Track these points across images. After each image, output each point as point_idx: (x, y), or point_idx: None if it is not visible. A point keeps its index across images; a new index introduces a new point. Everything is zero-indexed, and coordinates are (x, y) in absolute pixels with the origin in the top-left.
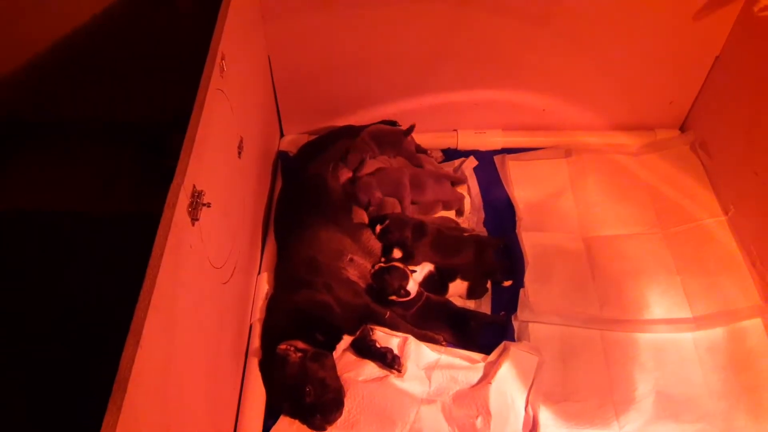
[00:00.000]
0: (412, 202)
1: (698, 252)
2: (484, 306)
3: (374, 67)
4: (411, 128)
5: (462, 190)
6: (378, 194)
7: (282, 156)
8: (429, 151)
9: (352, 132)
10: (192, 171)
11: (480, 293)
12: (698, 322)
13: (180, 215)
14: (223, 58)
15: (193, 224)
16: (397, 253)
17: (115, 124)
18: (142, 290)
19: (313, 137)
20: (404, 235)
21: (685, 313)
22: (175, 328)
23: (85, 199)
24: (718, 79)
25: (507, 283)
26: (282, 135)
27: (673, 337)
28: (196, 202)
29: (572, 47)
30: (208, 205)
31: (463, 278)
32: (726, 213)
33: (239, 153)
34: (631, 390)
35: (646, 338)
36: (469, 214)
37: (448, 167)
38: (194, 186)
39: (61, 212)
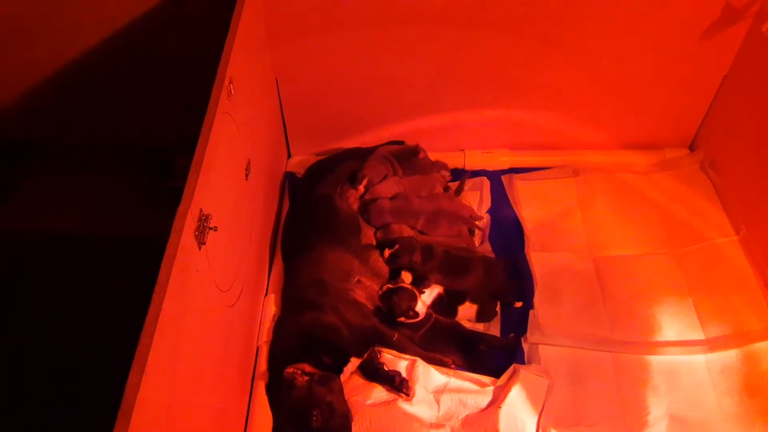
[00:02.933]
0: (420, 232)
1: (710, 272)
2: (493, 328)
3: (381, 88)
4: (417, 147)
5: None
6: (390, 220)
7: (289, 177)
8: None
9: (359, 153)
10: (199, 195)
11: (489, 316)
12: (711, 344)
13: (187, 239)
14: (231, 82)
15: (200, 248)
16: (407, 277)
17: (121, 148)
18: (148, 316)
19: (320, 158)
20: (413, 260)
21: (697, 334)
22: (181, 354)
23: (91, 222)
24: (726, 98)
25: (518, 305)
26: (289, 156)
27: (685, 359)
28: (203, 226)
29: (579, 66)
30: (215, 229)
31: (473, 301)
32: (737, 232)
33: (246, 175)
34: (643, 414)
35: (658, 361)
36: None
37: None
38: (201, 210)
39: (66, 234)
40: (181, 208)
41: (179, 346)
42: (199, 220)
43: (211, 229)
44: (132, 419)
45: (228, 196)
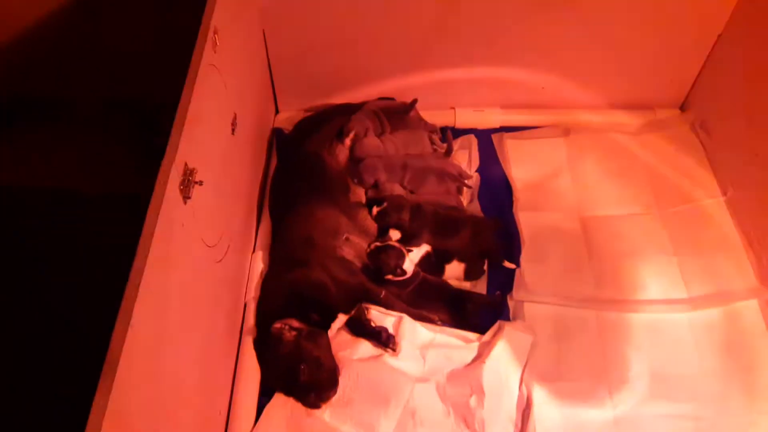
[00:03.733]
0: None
1: (695, 233)
2: (479, 286)
3: (371, 43)
4: (413, 103)
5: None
6: (382, 176)
7: (277, 133)
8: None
9: (349, 109)
10: (183, 148)
11: (477, 274)
12: (694, 303)
13: (171, 193)
14: (216, 33)
15: (185, 202)
16: (395, 235)
17: (106, 103)
18: (133, 269)
19: (309, 114)
20: (401, 218)
21: (681, 293)
22: (167, 308)
23: (74, 177)
24: (720, 57)
25: (510, 265)
26: (277, 112)
27: (668, 317)
28: (188, 180)
29: (572, 24)
30: (201, 183)
31: (460, 260)
32: (724, 194)
33: (233, 130)
34: (625, 370)
35: (641, 318)
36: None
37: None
38: (186, 164)
39: (48, 189)
40: (165, 162)
41: (166, 300)
42: (184, 174)
43: (196, 183)
44: (118, 370)
45: (214, 151)
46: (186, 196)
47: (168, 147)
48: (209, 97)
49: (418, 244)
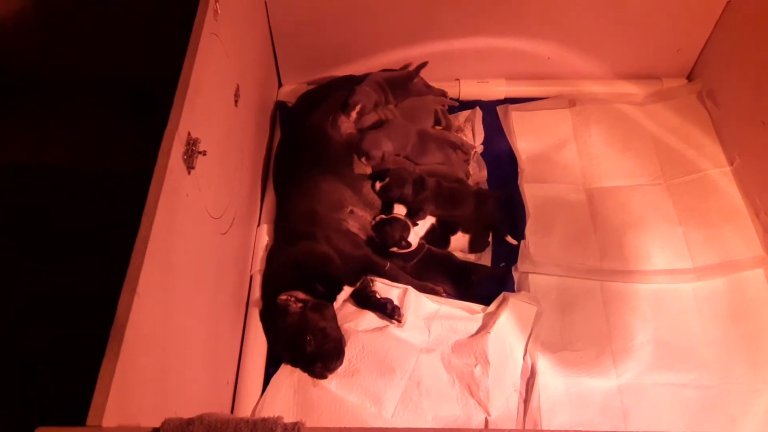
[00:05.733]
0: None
1: (701, 203)
2: (484, 258)
3: (375, 14)
4: (420, 67)
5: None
6: (389, 149)
7: (280, 106)
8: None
9: (352, 81)
10: (186, 117)
11: (482, 247)
12: (699, 273)
13: (175, 163)
14: (217, 1)
15: (189, 172)
16: (400, 209)
17: (105, 78)
18: (138, 237)
19: (312, 87)
20: (404, 192)
21: (686, 263)
22: (173, 277)
23: (73, 154)
24: (728, 25)
25: (512, 241)
26: (280, 85)
27: (673, 287)
28: (192, 150)
29: None
30: (204, 153)
31: (464, 231)
32: (731, 163)
33: (236, 101)
34: (629, 339)
35: (645, 289)
36: (472, 165)
37: (455, 120)
38: (189, 133)
39: (48, 165)
40: (168, 131)
41: (171, 269)
42: (188, 143)
43: (200, 153)
44: (125, 337)
45: (217, 121)
46: (190, 166)
47: (170, 116)
48: (211, 67)
49: (423, 218)
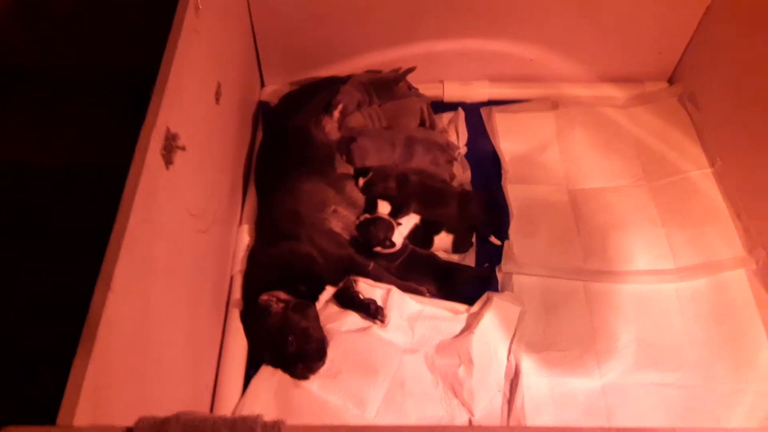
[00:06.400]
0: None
1: (683, 204)
2: (468, 259)
3: (358, 15)
4: (407, 72)
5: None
6: (374, 158)
7: (263, 106)
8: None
9: (335, 82)
10: (165, 112)
11: (465, 247)
12: (681, 273)
13: (153, 157)
14: None
15: (167, 168)
16: (384, 208)
17: (106, 76)
18: (113, 232)
19: (295, 88)
20: (388, 186)
21: (668, 264)
22: (151, 274)
23: (72, 153)
24: (709, 28)
25: (495, 241)
26: (263, 85)
27: (655, 288)
28: (171, 144)
29: None
30: (183, 148)
31: (448, 231)
32: (712, 165)
33: (217, 99)
34: (613, 339)
35: (628, 289)
36: (456, 166)
37: (438, 121)
38: (168, 128)
39: (47, 165)
40: (145, 125)
41: (148, 266)
42: (166, 138)
43: (179, 148)
44: (97, 336)
45: (197, 118)
46: (168, 162)
47: (149, 110)
48: (192, 63)
49: (407, 214)
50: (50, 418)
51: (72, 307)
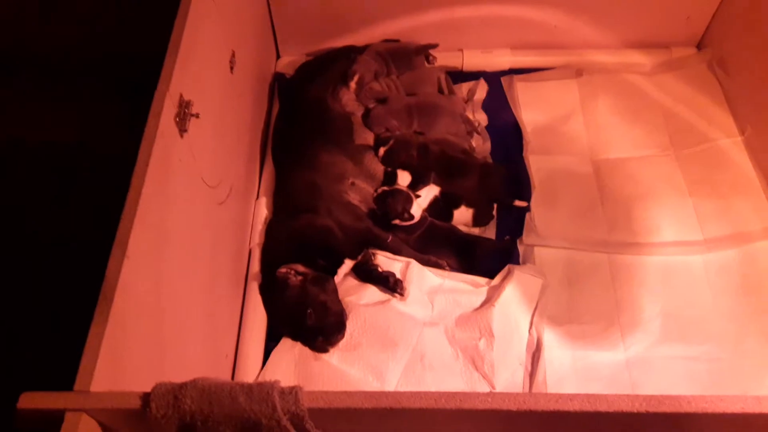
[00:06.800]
0: (417, 132)
1: (712, 174)
2: (488, 231)
3: None
4: (428, 46)
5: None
6: (394, 123)
7: (279, 78)
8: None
9: (352, 52)
10: (178, 78)
11: (486, 220)
12: (709, 244)
13: (166, 124)
14: None
15: (181, 135)
16: (405, 178)
17: (102, 58)
18: (127, 199)
19: (310, 58)
20: (410, 155)
21: (696, 235)
22: (166, 243)
23: (65, 133)
24: None
25: (521, 203)
26: (278, 57)
27: (682, 260)
28: (184, 112)
29: None
30: (197, 115)
31: (468, 205)
32: (742, 133)
33: (231, 68)
34: (638, 312)
35: (654, 261)
36: (476, 137)
37: (458, 90)
38: (181, 95)
39: (48, 145)
40: (158, 92)
41: (164, 235)
42: (180, 105)
43: (192, 115)
44: (114, 302)
45: (211, 85)
46: (182, 129)
47: (161, 77)
48: (204, 28)
49: (426, 183)
50: (68, 384)
51: (87, 279)
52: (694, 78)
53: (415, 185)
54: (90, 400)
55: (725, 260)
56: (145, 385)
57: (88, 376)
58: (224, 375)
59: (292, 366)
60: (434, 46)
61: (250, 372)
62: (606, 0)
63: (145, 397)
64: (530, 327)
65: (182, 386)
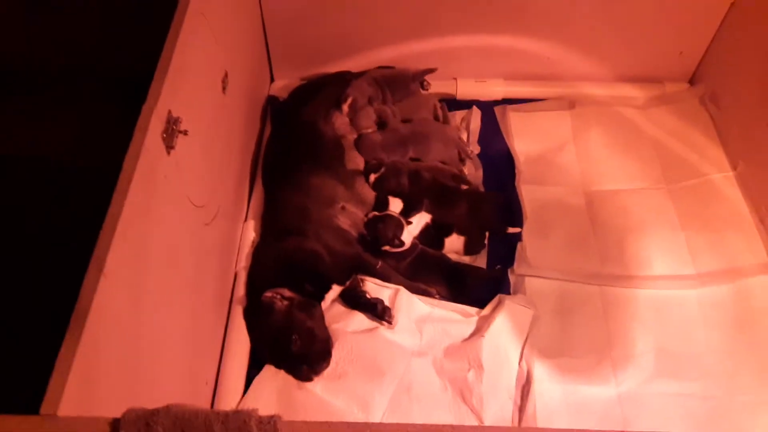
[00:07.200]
0: (412, 159)
1: (704, 208)
2: (479, 260)
3: (371, 9)
4: (426, 71)
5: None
6: (383, 156)
7: (271, 101)
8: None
9: (346, 77)
10: (167, 94)
11: (477, 249)
12: (702, 279)
13: (152, 140)
14: None
15: (168, 152)
16: (396, 205)
17: (100, 72)
18: (108, 214)
19: (305, 83)
20: (401, 182)
21: (688, 269)
22: (147, 262)
23: (62, 149)
24: (732, 27)
25: (514, 230)
26: (272, 80)
27: (675, 294)
28: (172, 128)
29: None
30: (185, 132)
31: (459, 233)
32: (734, 168)
33: (224, 88)
34: (630, 346)
35: (647, 295)
36: (468, 165)
37: (452, 119)
38: (170, 111)
39: (36, 158)
40: (146, 107)
41: (145, 253)
42: (167, 122)
43: (180, 132)
44: (87, 321)
45: (201, 104)
46: (169, 146)
47: (150, 91)
48: (197, 46)
49: (419, 211)
50: (34, 407)
51: (63, 294)
52: (687, 112)
53: (408, 212)
54: (56, 424)
55: (719, 295)
56: (116, 410)
57: (55, 399)
58: (203, 402)
59: (274, 395)
60: (432, 70)
61: (230, 400)
62: (599, 34)
63: (115, 423)
64: (520, 359)
65: (154, 412)
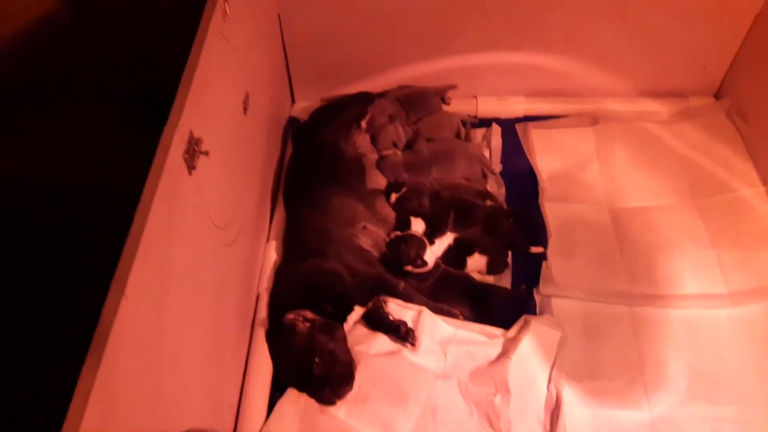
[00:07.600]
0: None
1: (734, 224)
2: (503, 280)
3: (390, 29)
4: (448, 87)
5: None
6: (405, 176)
7: (292, 122)
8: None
9: (366, 98)
10: (188, 115)
11: (500, 268)
12: (734, 298)
13: (174, 160)
14: (225, 0)
15: (189, 173)
16: (419, 225)
17: (116, 89)
18: (129, 236)
19: (325, 104)
20: (422, 203)
21: (720, 288)
22: (169, 283)
23: (76, 167)
24: (757, 39)
25: (537, 249)
26: (293, 102)
27: (706, 313)
28: (193, 149)
29: (600, 6)
30: (207, 153)
31: (482, 252)
32: (765, 183)
33: (245, 109)
34: (662, 368)
35: (678, 315)
36: (490, 183)
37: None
38: (191, 131)
39: (49, 180)
40: (168, 127)
41: (166, 274)
42: (189, 142)
43: (202, 153)
44: (108, 344)
45: (224, 125)
46: (191, 166)
47: (171, 112)
48: (218, 67)
49: (444, 232)
50: (55, 429)
51: (85, 315)
52: (713, 127)
53: (432, 234)
54: None
55: (751, 315)
56: (138, 430)
57: (76, 422)
58: (226, 426)
59: (296, 419)
60: (453, 87)
61: (253, 424)
62: (621, 49)
63: None
64: (548, 382)
65: None
